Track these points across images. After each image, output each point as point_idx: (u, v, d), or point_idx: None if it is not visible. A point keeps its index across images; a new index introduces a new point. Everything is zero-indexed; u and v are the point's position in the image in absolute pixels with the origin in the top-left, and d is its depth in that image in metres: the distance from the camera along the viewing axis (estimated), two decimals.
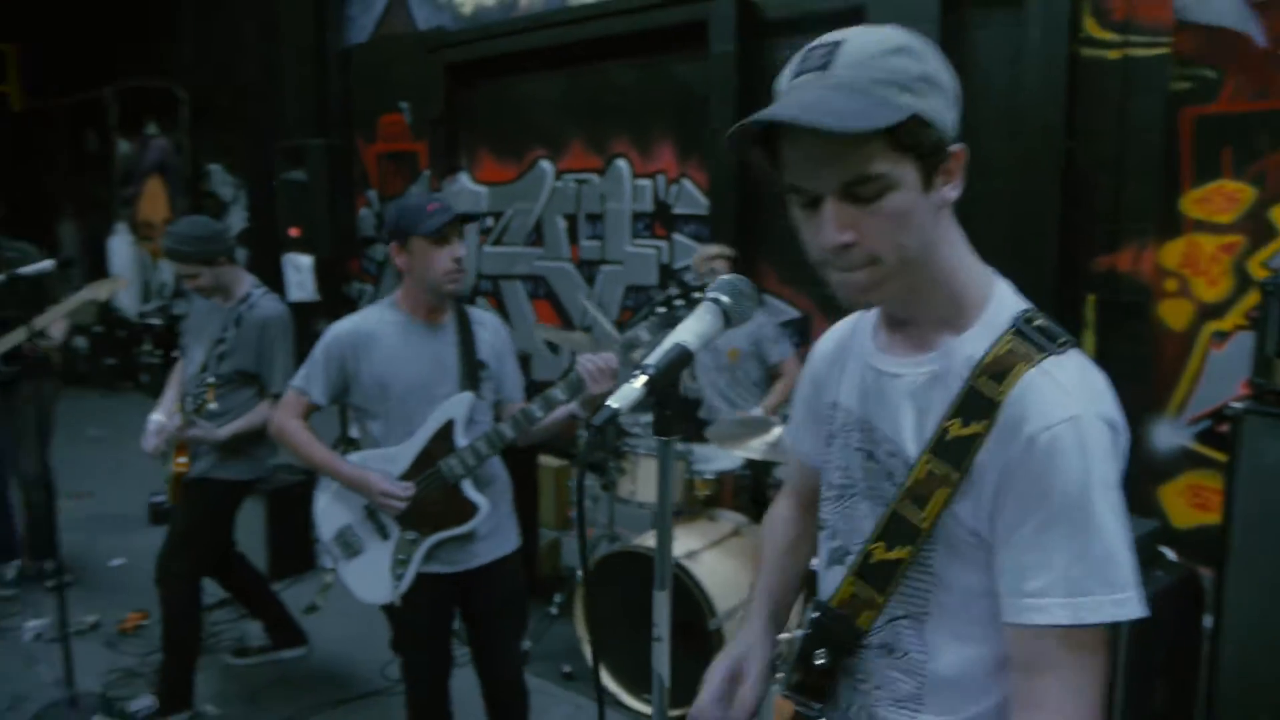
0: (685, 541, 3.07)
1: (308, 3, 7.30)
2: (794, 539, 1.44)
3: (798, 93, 0.99)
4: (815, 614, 1.18)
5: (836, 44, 0.98)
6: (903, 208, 0.98)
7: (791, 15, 4.73)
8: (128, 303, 9.14)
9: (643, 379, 0.95)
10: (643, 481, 3.40)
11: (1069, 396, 0.97)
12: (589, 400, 2.30)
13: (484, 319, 2.55)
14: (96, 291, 3.75)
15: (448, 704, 2.59)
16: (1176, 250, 3.61)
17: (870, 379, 1.15)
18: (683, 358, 0.97)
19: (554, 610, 3.81)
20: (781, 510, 1.48)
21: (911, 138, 0.96)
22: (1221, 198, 3.47)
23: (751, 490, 3.75)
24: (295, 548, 4.50)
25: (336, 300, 7.25)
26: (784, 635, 1.30)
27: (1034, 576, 0.96)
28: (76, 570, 4.55)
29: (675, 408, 0.98)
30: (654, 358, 0.96)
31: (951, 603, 1.06)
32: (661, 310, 2.20)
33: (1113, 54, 3.77)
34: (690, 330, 1.01)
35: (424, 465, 2.39)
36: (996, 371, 1.00)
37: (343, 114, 7.48)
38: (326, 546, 2.53)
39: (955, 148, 1.02)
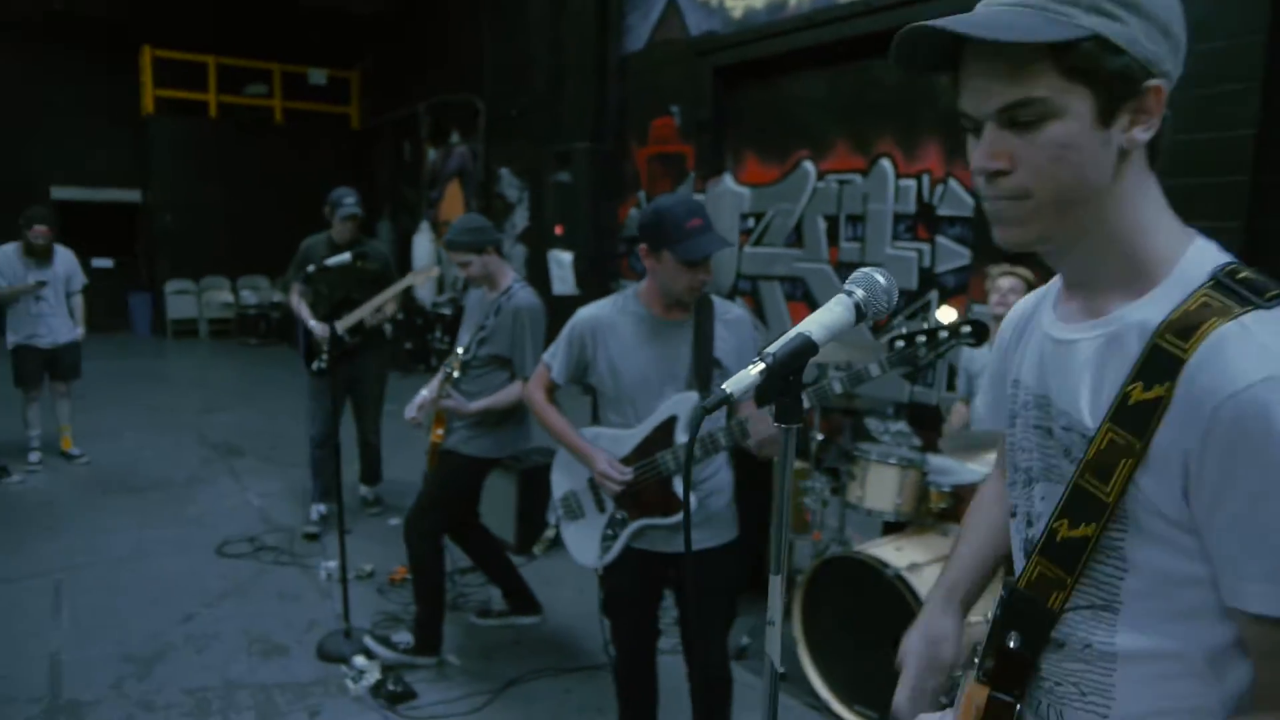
0: (910, 553, 2.89)
1: (590, 16, 7.76)
2: (997, 516, 1.31)
3: (977, 10, 0.92)
4: (1004, 594, 1.07)
5: None
6: (1064, 139, 0.89)
7: None
8: (425, 293, 10.24)
9: (760, 366, 0.93)
10: (872, 488, 3.25)
11: (1268, 353, 0.82)
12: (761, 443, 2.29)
13: (730, 314, 2.53)
14: (415, 278, 4.33)
15: (651, 675, 2.66)
16: None
17: (1048, 350, 1.05)
18: (805, 348, 0.94)
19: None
20: (990, 487, 1.37)
21: (1086, 61, 0.86)
22: None
23: None
24: (543, 524, 4.78)
25: (601, 295, 7.62)
26: (973, 619, 1.19)
27: (1254, 557, 0.84)
28: (360, 525, 5.19)
29: (796, 396, 0.94)
30: (775, 346, 0.94)
31: (1145, 590, 0.93)
32: (901, 345, 2.13)
33: None
34: (818, 321, 0.97)
35: (644, 454, 2.45)
36: (1185, 326, 0.87)
37: (618, 118, 7.86)
38: (554, 504, 2.71)
39: (1153, 82, 0.89)
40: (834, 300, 1.01)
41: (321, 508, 5.06)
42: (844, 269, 5.79)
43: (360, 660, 3.47)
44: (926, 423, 4.65)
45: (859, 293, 1.01)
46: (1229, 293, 0.88)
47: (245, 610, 4.03)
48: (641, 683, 2.68)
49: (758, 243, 6.47)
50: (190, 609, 4.00)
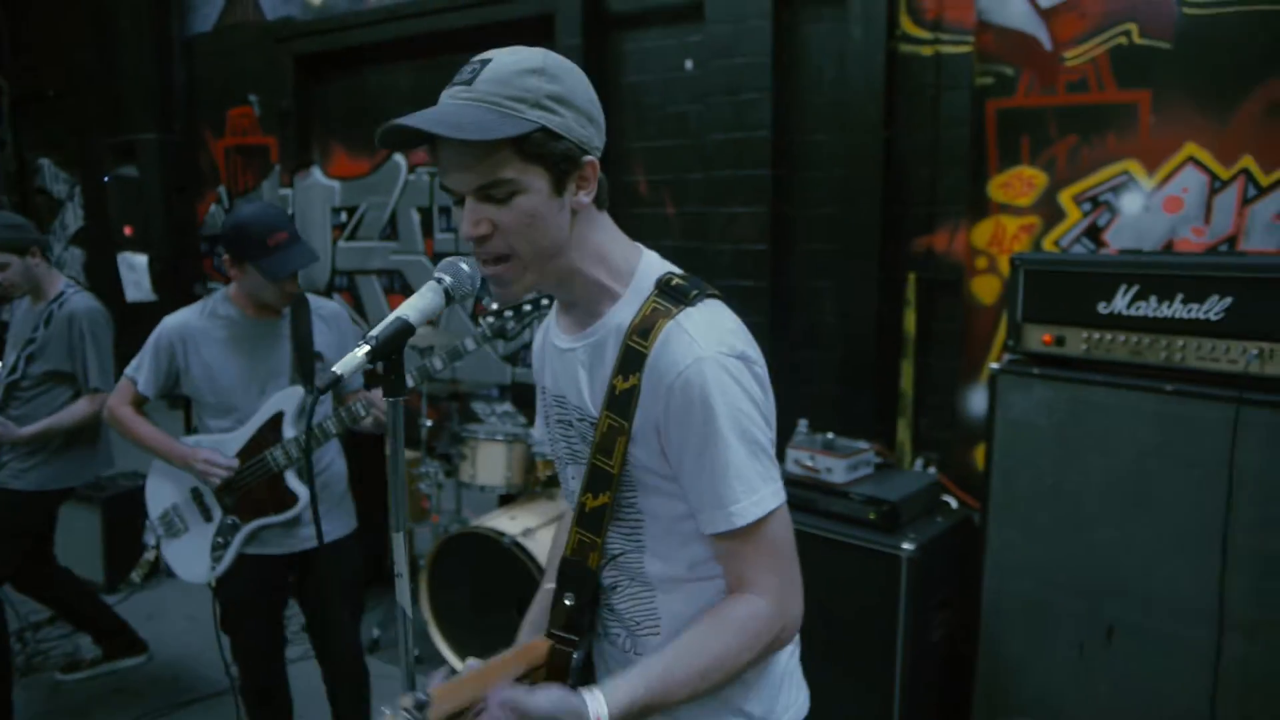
0: (523, 520, 3.14)
1: None
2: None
3: (444, 103, 1.12)
4: (560, 565, 1.33)
5: (485, 62, 1.12)
6: (530, 209, 1.12)
7: (637, 9, 4.84)
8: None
9: (365, 348, 1.03)
10: (482, 465, 3.45)
11: (695, 341, 1.13)
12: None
13: (325, 309, 2.56)
14: None
15: (282, 685, 2.62)
16: (985, 231, 3.90)
17: (556, 358, 1.31)
18: (404, 329, 1.06)
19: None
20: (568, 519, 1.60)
21: (538, 148, 1.10)
22: (1020, 182, 3.77)
23: None
24: (138, 550, 4.31)
25: (183, 300, 6.88)
26: (548, 585, 1.44)
27: (700, 497, 1.16)
28: None
29: (399, 373, 1.06)
30: (377, 330, 1.05)
31: (660, 530, 1.23)
32: (490, 320, 2.31)
33: (926, 50, 4.04)
34: (413, 306, 1.10)
35: (251, 453, 2.42)
36: (644, 329, 1.16)
37: (187, 106, 7.18)
38: (151, 524, 2.55)
39: (588, 159, 1.16)
40: (425, 287, 1.14)
41: None
42: (440, 260, 5.91)
43: None
44: (530, 401, 4.96)
45: (447, 279, 1.13)
46: (668, 297, 1.18)
47: None
48: (273, 696, 2.61)
49: (351, 237, 6.36)
50: None
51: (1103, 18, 3.48)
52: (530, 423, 3.86)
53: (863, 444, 3.05)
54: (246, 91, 6.78)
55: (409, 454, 4.54)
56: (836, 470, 2.87)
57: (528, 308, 2.31)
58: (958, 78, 3.94)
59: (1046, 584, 2.57)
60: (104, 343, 3.13)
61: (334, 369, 1.01)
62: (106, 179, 5.60)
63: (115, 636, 3.53)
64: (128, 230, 5.36)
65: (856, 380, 4.16)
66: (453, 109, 1.09)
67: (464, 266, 1.15)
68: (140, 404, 2.51)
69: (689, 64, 4.68)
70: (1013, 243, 3.82)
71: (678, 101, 4.73)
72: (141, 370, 2.46)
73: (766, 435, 1.18)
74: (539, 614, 1.48)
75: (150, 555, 3.18)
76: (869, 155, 4.06)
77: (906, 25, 4.07)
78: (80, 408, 3.07)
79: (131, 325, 7.30)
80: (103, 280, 7.57)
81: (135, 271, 5.76)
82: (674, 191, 4.78)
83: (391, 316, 1.07)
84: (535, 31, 5.10)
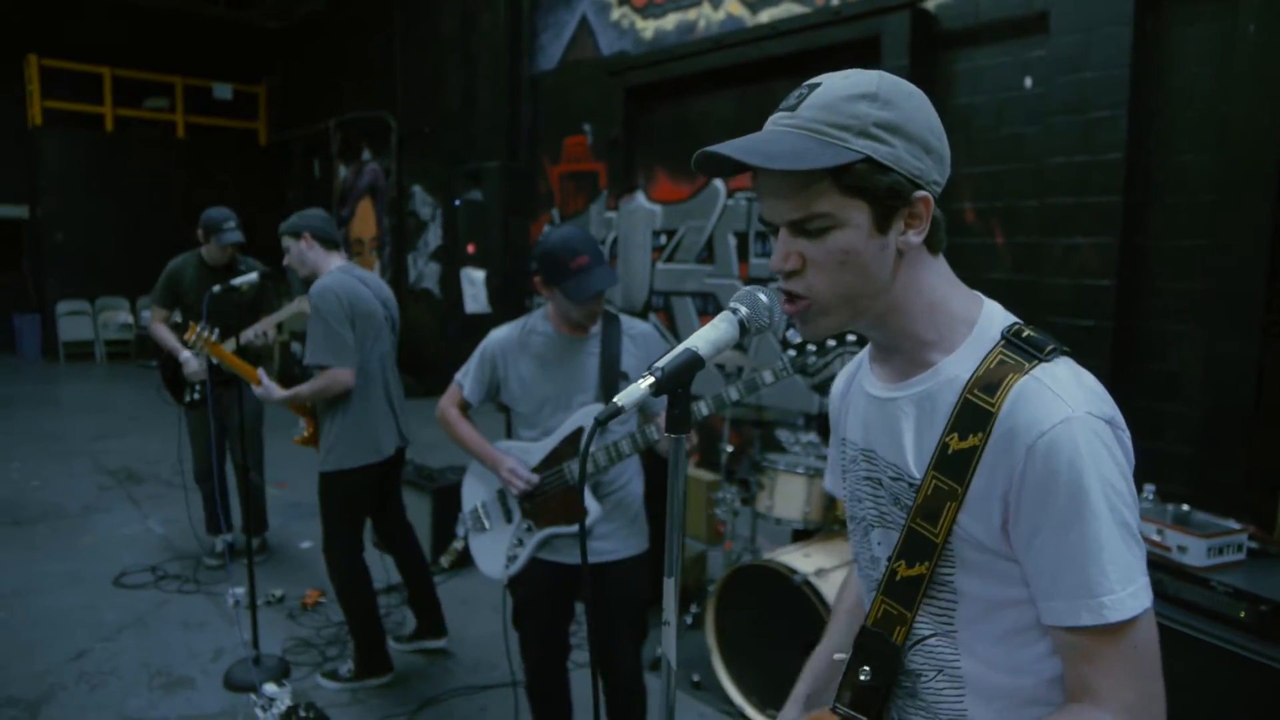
0: (817, 559, 2.99)
1: (503, 36, 7.79)
2: (858, 600, 1.41)
3: (765, 130, 1.04)
4: (857, 634, 1.19)
5: (814, 86, 1.03)
6: (846, 246, 1.01)
7: (969, 25, 4.53)
8: None
9: (649, 380, 0.98)
10: (780, 497, 3.34)
11: (1060, 400, 0.98)
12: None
13: (636, 329, 2.61)
14: (306, 304, 4.15)
15: (563, 689, 2.70)
16: None
17: (870, 407, 1.17)
18: (692, 362, 1.00)
19: (689, 620, 3.80)
20: (853, 573, 1.46)
21: (860, 180, 0.99)
22: None
23: None
24: (451, 537, 4.72)
25: (515, 313, 7.59)
26: (838, 656, 1.28)
27: (1056, 581, 0.97)
28: (272, 549, 5.06)
29: (685, 407, 1.00)
30: (664, 361, 0.99)
31: (975, 616, 1.06)
32: (791, 354, 2.23)
33: None
34: (704, 338, 1.03)
35: (551, 464, 2.53)
36: (988, 384, 1.02)
37: (531, 136, 7.90)
38: (462, 517, 2.75)
39: (920, 194, 1.02)
40: (719, 317, 1.07)
41: (228, 537, 4.89)
42: (754, 284, 5.92)
43: (270, 688, 3.38)
44: None
45: (742, 310, 1.06)
46: (1018, 350, 1.03)
47: (145, 643, 3.87)
48: (554, 697, 2.70)
49: (670, 259, 6.58)
50: (83, 645, 3.82)
51: None
52: None
53: (1232, 523, 2.54)
54: (581, 121, 7.32)
55: (709, 476, 4.57)
56: (1193, 550, 2.40)
57: (832, 343, 2.18)
58: None
59: None
60: (329, 320, 3.25)
61: (616, 400, 0.97)
62: (457, 202, 6.28)
63: (429, 614, 3.88)
64: (470, 248, 5.96)
65: (1222, 444, 3.51)
66: (772, 136, 1.02)
67: (762, 297, 1.07)
68: (466, 408, 2.72)
69: (1028, 81, 4.28)
70: None
71: (1013, 123, 4.35)
72: (468, 377, 2.67)
73: (1136, 518, 0.98)
74: (816, 685, 1.35)
75: (459, 545, 3.45)
76: (1256, 177, 3.44)
77: None
78: (321, 381, 3.27)
79: (470, 334, 8.18)
80: (452, 292, 8.55)
81: (474, 286, 6.39)
82: (1004, 220, 4.39)
83: (681, 348, 1.01)
84: (860, 55, 4.96)
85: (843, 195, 1.00)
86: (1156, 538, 2.48)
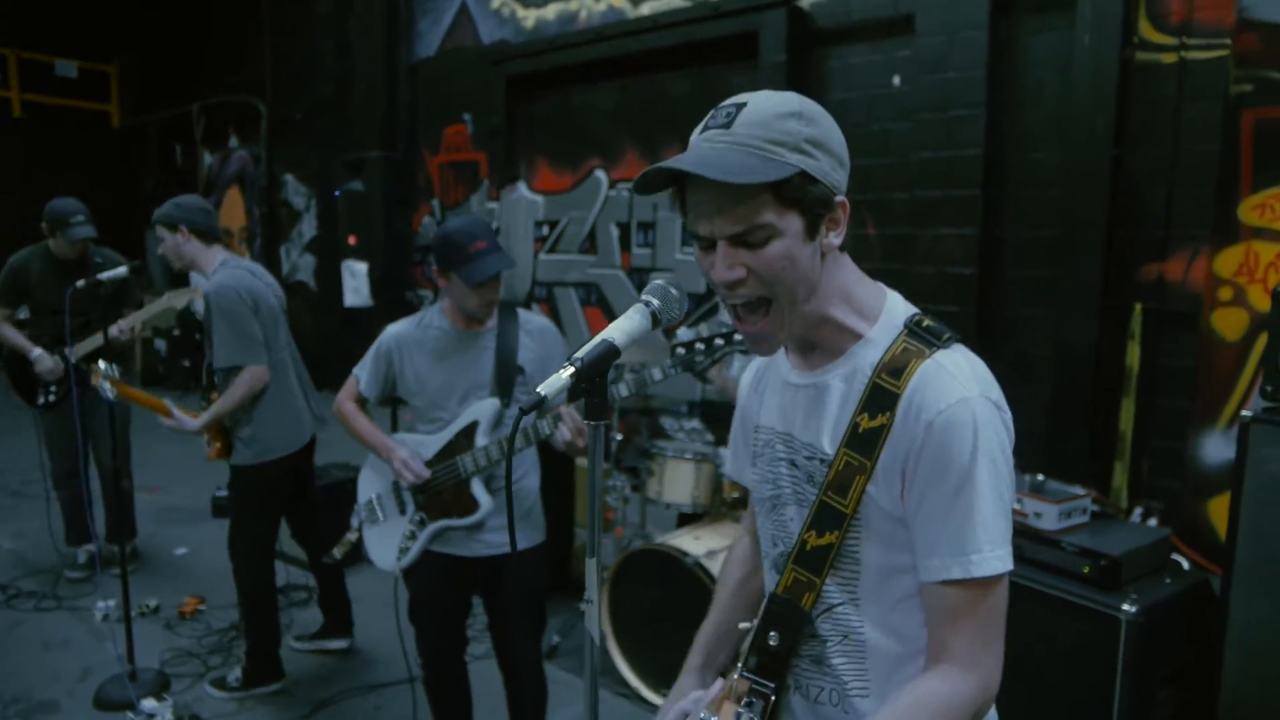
0: (707, 541, 3.10)
1: (379, 20, 7.59)
2: (746, 574, 1.50)
3: (702, 147, 1.10)
4: (766, 602, 1.27)
5: (740, 105, 1.10)
6: (785, 253, 1.09)
7: (842, 24, 4.73)
8: (203, 308, 9.58)
9: (570, 370, 1.03)
10: (669, 483, 3.44)
11: (957, 382, 1.10)
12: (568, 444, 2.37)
13: (533, 324, 2.64)
14: (174, 299, 3.94)
15: (461, 682, 2.73)
16: (1232, 258, 3.47)
17: (788, 394, 1.26)
18: (609, 352, 1.05)
19: (583, 607, 3.86)
20: (738, 548, 1.55)
21: (797, 193, 1.07)
22: None
23: None
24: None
25: (396, 306, 7.48)
26: (743, 625, 1.35)
27: (936, 540, 1.09)
28: (143, 558, 4.81)
29: (603, 395, 1.06)
30: (582, 352, 1.04)
31: (875, 583, 1.16)
32: (680, 353, 2.29)
33: (1168, 57, 3.68)
34: (619, 329, 1.08)
35: (446, 457, 2.56)
36: (894, 368, 1.13)
37: (409, 126, 7.73)
38: (358, 509, 2.77)
39: (840, 200, 1.13)
40: (632, 309, 1.13)
41: (92, 546, 4.61)
42: (636, 274, 6.02)
43: (149, 703, 3.24)
44: (719, 418, 4.94)
45: (655, 302, 1.12)
46: (919, 338, 1.15)
47: None
48: (451, 690, 2.72)
49: (552, 250, 6.59)
50: None
51: None
52: (719, 441, 3.82)
53: (1078, 489, 2.79)
54: (461, 111, 7.22)
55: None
56: (1047, 516, 2.63)
57: (720, 343, 2.26)
58: (1206, 86, 3.56)
59: None
60: (235, 318, 3.14)
61: (539, 389, 1.01)
62: (337, 193, 6.11)
63: (338, 612, 3.79)
64: (352, 239, 5.82)
65: (1068, 418, 3.83)
66: (713, 152, 1.08)
67: (673, 291, 1.14)
68: (363, 403, 2.72)
69: (896, 80, 4.51)
70: (1269, 272, 3.38)
71: (883, 119, 4.57)
72: (364, 371, 2.67)
73: (1012, 494, 1.11)
74: (709, 654, 1.43)
75: (353, 536, 3.39)
76: (1094, 173, 3.74)
77: (1146, 31, 3.72)
78: (238, 390, 3.15)
79: (350, 328, 7.96)
80: (329, 285, 8.29)
81: (356, 278, 6.24)
82: (876, 212, 4.62)
83: (597, 339, 1.07)
84: (740, 50, 5.10)
85: (780, 206, 1.07)
86: (1016, 506, 2.70)
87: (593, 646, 1.12)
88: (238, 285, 3.21)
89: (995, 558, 1.07)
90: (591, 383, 1.04)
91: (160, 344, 9.63)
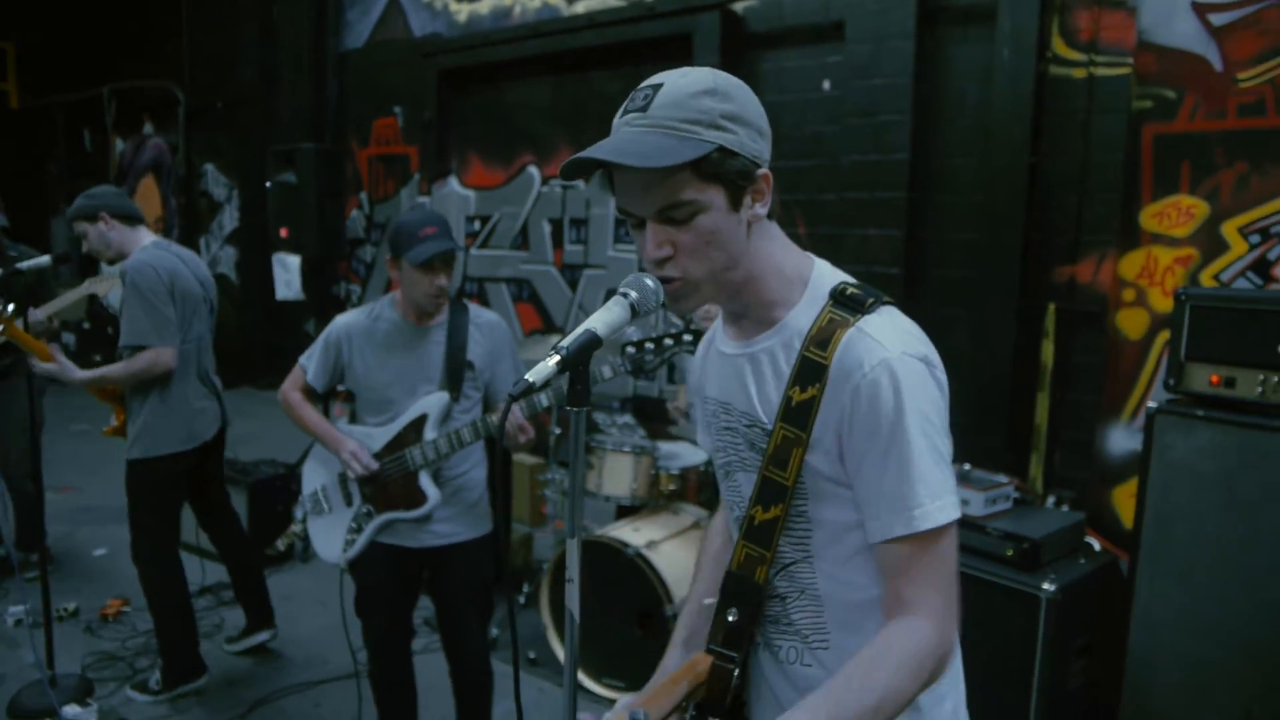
0: (647, 532, 3.17)
1: (305, 7, 7.43)
2: (722, 544, 1.55)
3: (621, 132, 1.15)
4: (724, 579, 1.32)
5: (657, 87, 1.15)
6: (712, 227, 1.14)
7: (774, 29, 4.85)
8: (115, 300, 9.21)
9: (555, 358, 1.06)
10: (609, 476, 3.49)
11: (879, 344, 1.14)
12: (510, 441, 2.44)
13: (483, 319, 2.66)
14: (95, 287, 3.79)
15: (406, 672, 2.73)
16: (1135, 262, 3.72)
17: (724, 364, 1.32)
18: (592, 342, 1.08)
19: (522, 599, 3.90)
20: (718, 518, 1.60)
21: (716, 167, 1.12)
22: (1178, 212, 3.58)
23: (715, 485, 3.85)
24: (274, 537, 4.56)
25: (324, 300, 7.35)
26: (707, 601, 1.41)
27: (877, 500, 1.13)
28: (59, 560, 4.62)
29: (585, 384, 1.09)
30: (566, 341, 1.08)
31: (828, 540, 1.22)
32: (631, 352, 2.33)
33: (1078, 73, 3.90)
34: (600, 319, 1.12)
35: (394, 449, 2.56)
36: (822, 339, 1.17)
37: (337, 117, 7.59)
38: (302, 500, 2.74)
39: (762, 171, 1.18)
40: (612, 301, 1.16)
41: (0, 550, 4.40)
42: (568, 271, 6.06)
43: (72, 709, 3.13)
44: (650, 414, 5.02)
45: (633, 294, 1.15)
46: (844, 307, 1.19)
47: None
48: (398, 682, 2.72)
49: (484, 245, 6.57)
50: None
51: None
52: (649, 436, 3.89)
53: (1002, 477, 2.95)
54: (391, 104, 7.13)
55: (534, 460, 4.66)
56: (974, 503, 2.79)
57: (669, 343, 2.31)
58: (1112, 101, 3.79)
59: (1206, 642, 2.41)
60: (149, 296, 3.08)
61: (527, 377, 1.04)
62: (269, 185, 5.97)
63: (257, 605, 3.71)
64: (283, 232, 5.70)
65: (989, 411, 4.02)
66: (632, 137, 1.12)
67: (648, 281, 1.18)
68: (310, 393, 2.69)
69: (827, 84, 4.66)
70: (1166, 275, 3.62)
71: (814, 122, 4.71)
72: (312, 361, 2.65)
73: (947, 443, 1.16)
74: (693, 629, 1.47)
75: (297, 528, 3.35)
76: (1012, 180, 3.94)
77: (1059, 47, 3.94)
78: (129, 363, 3.07)
79: (276, 322, 7.77)
80: (253, 278, 8.08)
81: (288, 271, 6.12)
82: (806, 211, 4.76)
83: (581, 329, 1.10)
84: (674, 51, 5.17)
85: (701, 182, 1.12)
86: None
87: (572, 624, 1.16)
88: (158, 264, 3.14)
89: (937, 509, 1.10)
90: (574, 371, 1.08)
91: (69, 337, 9.24)
